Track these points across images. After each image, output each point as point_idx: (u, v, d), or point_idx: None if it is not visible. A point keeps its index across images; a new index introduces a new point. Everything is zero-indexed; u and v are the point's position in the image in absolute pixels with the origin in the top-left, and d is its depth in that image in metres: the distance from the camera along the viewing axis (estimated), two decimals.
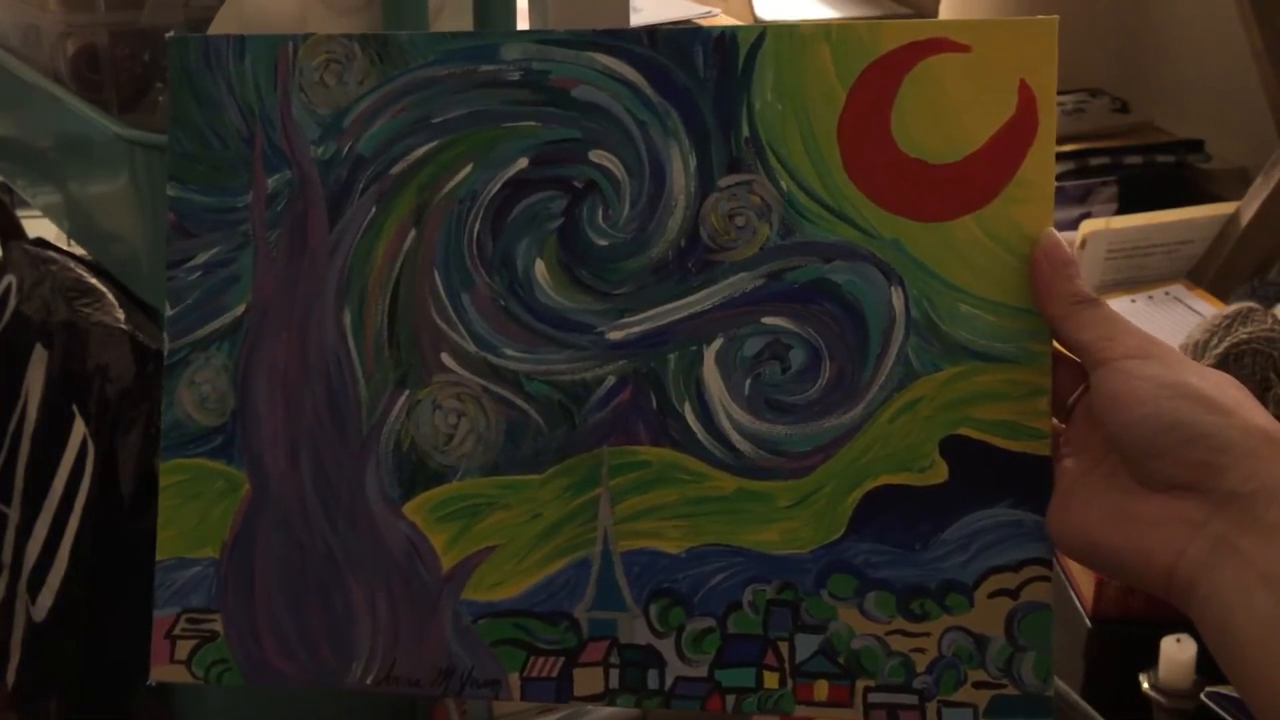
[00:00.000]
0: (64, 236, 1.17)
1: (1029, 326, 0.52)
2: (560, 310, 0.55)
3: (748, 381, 0.54)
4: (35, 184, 1.01)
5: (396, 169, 0.55)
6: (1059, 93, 0.56)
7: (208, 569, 0.56)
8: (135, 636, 0.96)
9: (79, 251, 1.12)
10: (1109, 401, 0.49)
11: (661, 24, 1.02)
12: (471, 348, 0.55)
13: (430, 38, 0.56)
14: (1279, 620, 0.44)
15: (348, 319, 0.55)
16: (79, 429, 0.95)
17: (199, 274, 0.57)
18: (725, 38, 0.54)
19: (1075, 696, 0.83)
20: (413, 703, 0.96)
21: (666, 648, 0.54)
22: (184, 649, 0.56)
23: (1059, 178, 1.77)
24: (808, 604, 0.53)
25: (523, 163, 0.55)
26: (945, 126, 0.53)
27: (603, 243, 0.54)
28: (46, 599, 0.97)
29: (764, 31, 0.54)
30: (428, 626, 0.55)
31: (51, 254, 1.08)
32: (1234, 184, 1.69)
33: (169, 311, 0.57)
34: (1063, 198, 1.74)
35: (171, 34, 0.58)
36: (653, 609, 0.54)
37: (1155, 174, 1.81)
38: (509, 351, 0.55)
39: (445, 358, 0.55)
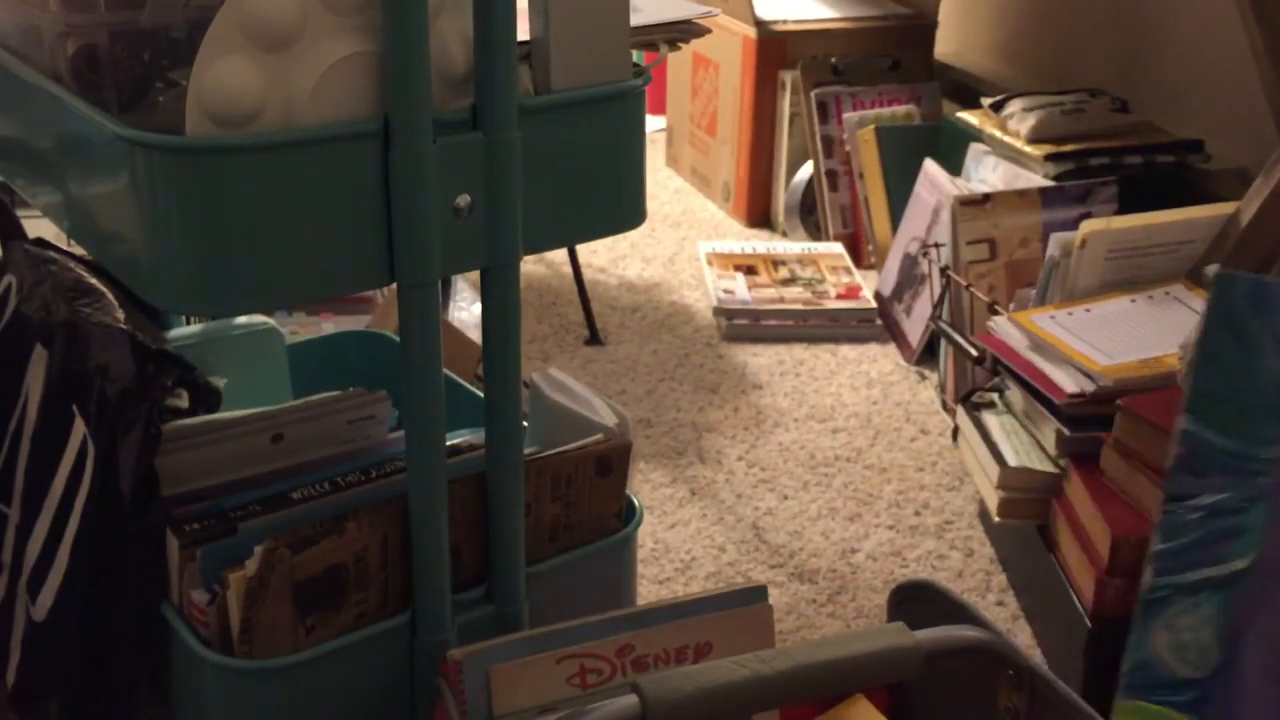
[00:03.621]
0: (64, 236, 1.17)
1: None
2: None
3: None
4: (35, 184, 1.01)
5: None
6: (1059, 92, 0.55)
7: None
8: (135, 636, 0.96)
9: (79, 251, 1.12)
10: None
11: (661, 23, 1.02)
12: None
13: None
14: None
15: None
16: (79, 429, 0.95)
17: (1201, 515, 0.52)
18: None
19: (1075, 696, 0.83)
20: (413, 702, 0.96)
21: None
22: None
23: (1059, 178, 1.77)
24: None
25: None
26: None
27: None
28: (46, 599, 0.97)
29: None
30: None
31: (51, 254, 1.08)
32: (1234, 184, 1.69)
33: (1159, 546, 0.52)
34: (1063, 198, 1.74)
35: (1216, 269, 0.52)
36: None
37: (1155, 174, 1.81)
38: None
39: None
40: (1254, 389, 0.51)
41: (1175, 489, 0.51)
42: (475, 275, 1.27)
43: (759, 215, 2.45)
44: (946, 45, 2.50)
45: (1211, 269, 0.51)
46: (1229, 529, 0.50)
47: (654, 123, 2.81)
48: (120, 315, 0.99)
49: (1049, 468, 1.32)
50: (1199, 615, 0.50)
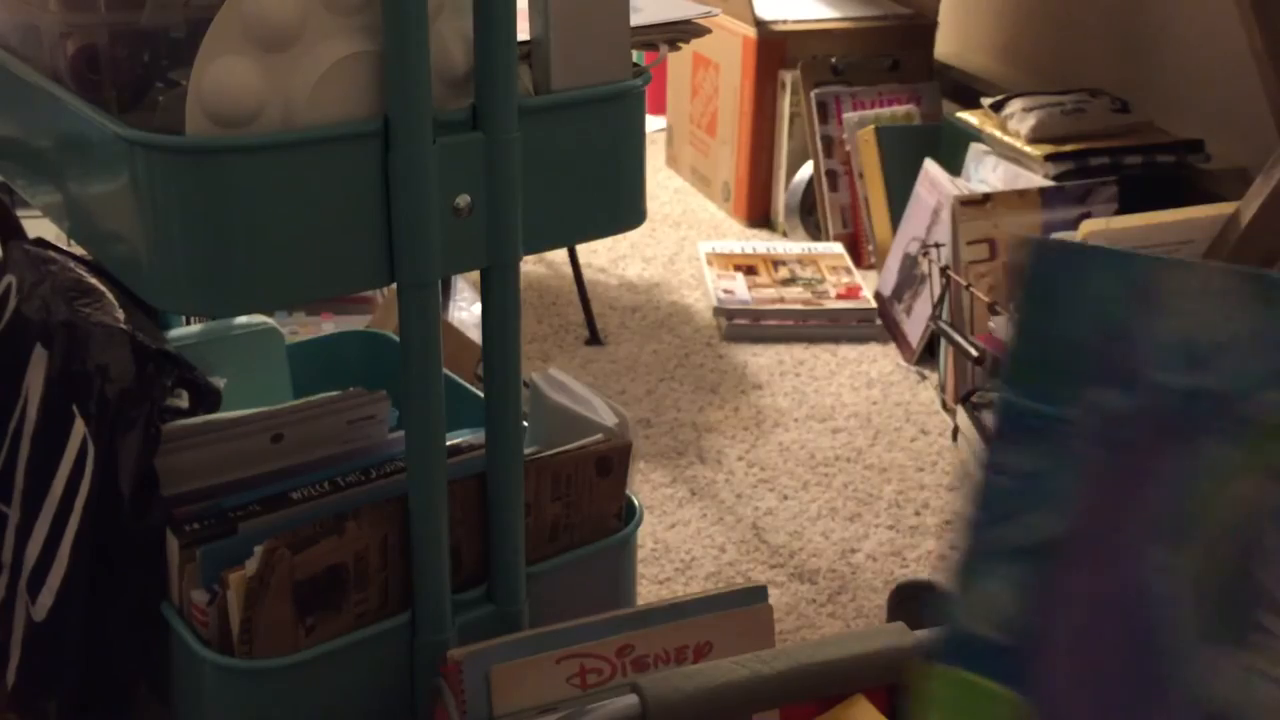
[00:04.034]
0: (64, 236, 1.17)
1: None
2: None
3: None
4: (35, 184, 1.01)
5: (1263, 415, 0.50)
6: (1059, 93, 0.55)
7: None
8: (135, 636, 0.96)
9: (79, 251, 1.12)
10: None
11: (661, 23, 1.02)
12: None
13: None
14: None
15: (1166, 559, 0.51)
16: (79, 429, 0.95)
17: (1014, 482, 0.53)
18: None
19: None
20: (413, 702, 0.96)
21: None
22: None
23: (1059, 178, 1.77)
24: None
25: None
26: None
27: None
28: (46, 599, 0.97)
29: None
30: None
31: (51, 254, 1.08)
32: (1234, 184, 1.69)
33: (973, 512, 0.53)
34: (1063, 198, 1.74)
35: (1030, 236, 0.54)
36: None
37: (1155, 174, 1.81)
38: None
39: (1269, 619, 0.50)
40: (1062, 353, 0.52)
41: (993, 457, 0.53)
42: (475, 275, 1.27)
43: (759, 215, 2.45)
44: (946, 45, 2.50)
45: (1019, 235, 0.53)
46: (1038, 493, 0.52)
47: (654, 123, 2.81)
48: (120, 315, 0.99)
49: None
50: (1009, 580, 0.51)
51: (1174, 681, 0.50)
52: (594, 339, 2.00)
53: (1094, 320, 0.52)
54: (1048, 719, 0.51)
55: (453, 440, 1.00)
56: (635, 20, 0.96)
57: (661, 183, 2.69)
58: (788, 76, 2.37)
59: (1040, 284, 0.53)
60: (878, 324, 2.03)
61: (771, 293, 2.10)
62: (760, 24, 2.37)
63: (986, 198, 1.75)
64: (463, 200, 0.85)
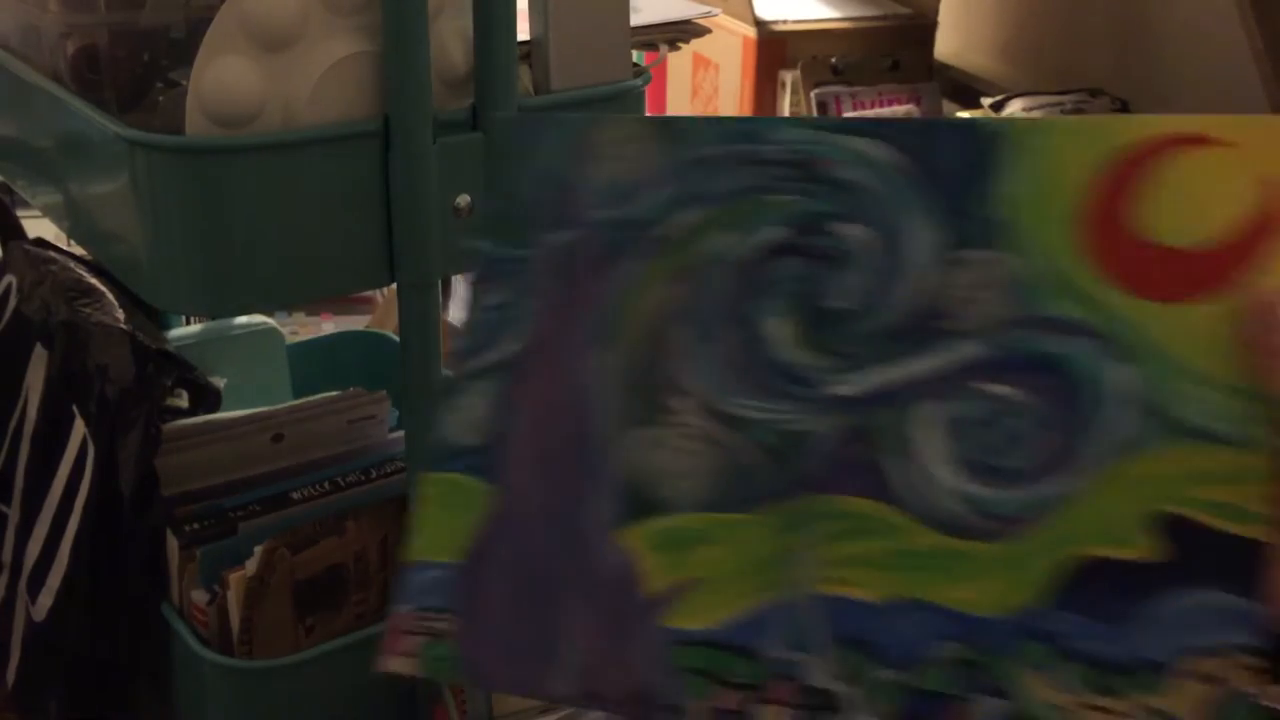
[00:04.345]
0: (64, 236, 1.17)
1: (1256, 409, 0.52)
2: (791, 365, 0.57)
3: (963, 444, 0.55)
4: (35, 184, 1.01)
5: (665, 232, 0.60)
6: (1059, 93, 0.57)
7: (448, 573, 0.59)
8: (135, 636, 0.96)
9: (79, 251, 1.11)
10: None
11: (661, 23, 1.02)
12: (705, 394, 0.58)
13: (710, 122, 0.62)
14: None
15: (601, 362, 0.60)
16: (79, 429, 0.95)
17: (491, 314, 0.61)
18: (975, 128, 0.57)
19: None
20: (413, 703, 0.96)
21: (851, 695, 0.54)
22: (414, 644, 0.59)
23: None
24: (998, 667, 0.53)
25: (776, 231, 0.59)
26: (1190, 213, 0.54)
27: (841, 307, 0.57)
28: (46, 599, 0.97)
29: (1012, 123, 0.58)
30: (627, 648, 0.56)
31: (51, 254, 1.08)
32: None
33: (462, 344, 0.62)
34: None
35: (500, 114, 0.65)
36: (842, 655, 0.54)
37: None
38: (739, 400, 0.58)
39: (679, 401, 0.58)
40: (521, 205, 0.62)
41: (473, 296, 0.63)
42: None
43: None
44: (946, 45, 2.50)
45: (502, 115, 0.67)
46: (507, 320, 0.61)
47: None
48: (120, 315, 0.99)
49: None
50: (484, 393, 0.61)
51: (605, 460, 0.59)
52: None
53: (545, 176, 0.62)
54: (510, 501, 0.59)
55: None
56: (635, 20, 0.96)
57: None
58: (788, 76, 2.37)
59: (504, 151, 0.63)
60: None
61: None
62: (760, 24, 2.37)
63: None
64: (463, 200, 0.85)
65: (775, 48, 2.38)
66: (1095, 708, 0.52)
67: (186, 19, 0.90)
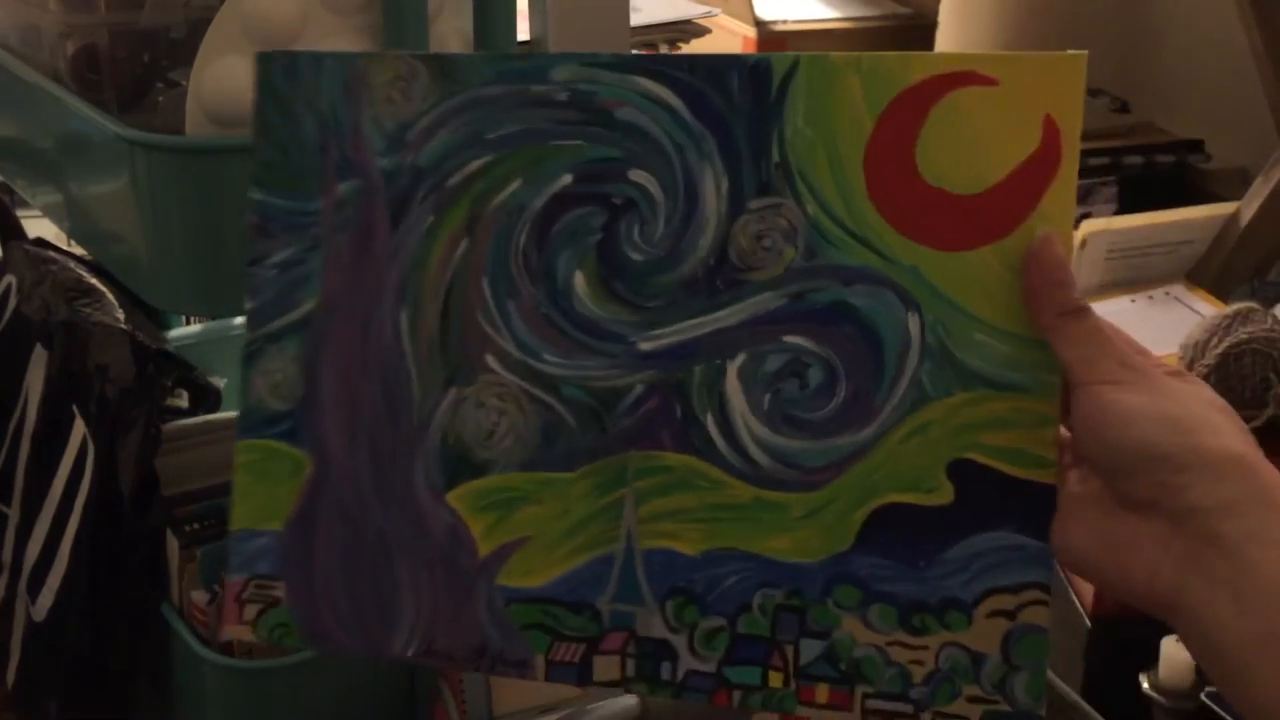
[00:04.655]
0: (64, 236, 1.17)
1: (1040, 357, 0.54)
2: (596, 320, 0.58)
3: (767, 396, 0.56)
4: (35, 184, 1.01)
5: (453, 181, 0.59)
6: None
7: (274, 540, 0.61)
8: (135, 637, 0.96)
9: (79, 251, 1.12)
10: (1082, 425, 0.51)
11: (661, 23, 1.03)
12: (514, 352, 0.58)
13: (486, 58, 0.59)
14: (1251, 634, 0.46)
15: (404, 320, 0.59)
16: (79, 429, 0.95)
17: (275, 272, 0.60)
18: (760, 66, 0.56)
19: (1075, 696, 0.83)
20: (413, 702, 0.96)
21: (680, 642, 0.56)
22: (251, 612, 0.61)
23: None
24: (814, 611, 0.56)
25: (567, 179, 0.58)
26: (969, 158, 0.54)
27: (638, 258, 0.57)
28: (46, 599, 0.97)
29: (797, 60, 0.56)
30: (464, 607, 0.58)
31: (51, 254, 1.08)
32: (1234, 184, 1.69)
33: (249, 305, 0.61)
34: None
35: (261, 50, 0.61)
36: (669, 605, 0.57)
37: (1155, 174, 1.81)
38: (548, 357, 0.58)
39: (490, 359, 0.58)
40: (300, 153, 0.60)
41: (254, 252, 0.60)
42: None
43: None
44: (946, 45, 2.50)
45: (259, 51, 0.62)
46: (298, 278, 0.60)
47: None
48: (120, 315, 0.99)
49: None
50: (285, 356, 0.60)
51: (423, 422, 0.59)
52: None
53: (321, 120, 0.60)
54: (327, 467, 0.59)
55: None
56: (635, 20, 0.96)
57: None
58: None
59: (273, 93, 0.60)
60: None
61: None
62: (760, 24, 2.37)
63: None
64: None
65: (775, 48, 2.38)
66: (905, 645, 0.55)
67: (186, 19, 0.90)
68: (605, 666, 0.57)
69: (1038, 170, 0.54)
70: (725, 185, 0.56)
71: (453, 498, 0.59)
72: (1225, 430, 0.49)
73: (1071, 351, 0.51)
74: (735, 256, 0.56)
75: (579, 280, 0.58)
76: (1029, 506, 0.54)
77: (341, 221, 0.60)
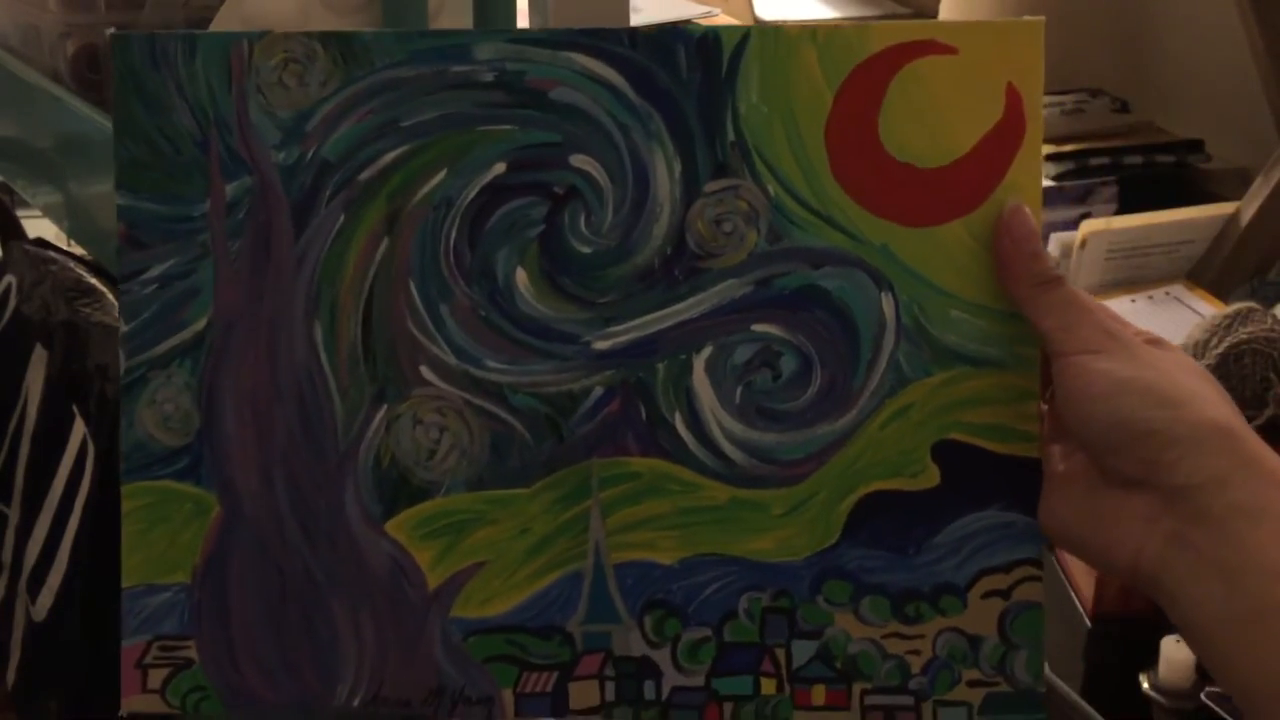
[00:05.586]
0: (64, 236, 1.17)
1: (1017, 330, 0.52)
2: (543, 320, 0.53)
3: (738, 389, 0.53)
4: (35, 184, 1.01)
5: (365, 175, 0.53)
6: (1059, 93, 0.56)
7: (179, 594, 0.54)
8: None
9: (79, 251, 1.12)
10: (1064, 398, 0.50)
11: (661, 24, 1.03)
12: (452, 360, 0.53)
13: (396, 36, 0.53)
14: (1238, 611, 0.45)
15: (319, 333, 0.53)
16: (79, 429, 0.95)
17: (155, 287, 0.54)
18: (708, 38, 0.53)
19: (1075, 696, 0.83)
20: None
21: (662, 658, 0.54)
22: (157, 678, 0.54)
23: (1059, 178, 1.77)
24: (803, 610, 0.54)
25: (500, 167, 0.53)
26: (933, 130, 0.53)
27: (586, 250, 0.53)
28: (46, 599, 0.97)
29: (748, 32, 0.53)
30: (416, 646, 0.54)
31: (51, 254, 1.08)
32: (1234, 184, 1.69)
33: (124, 328, 0.54)
34: (1063, 198, 1.74)
35: (111, 31, 0.55)
36: (647, 620, 0.54)
37: (1155, 174, 1.81)
38: (491, 363, 0.53)
39: (424, 371, 0.53)
40: (174, 149, 0.53)
41: (124, 267, 0.53)
42: None
43: None
44: None
45: (109, 32, 0.55)
46: (183, 293, 0.53)
47: None
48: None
49: None
50: (175, 385, 0.53)
51: (348, 445, 0.53)
52: None
53: (199, 110, 0.53)
54: (233, 506, 0.53)
55: None
56: (635, 20, 0.96)
57: None
58: None
59: (134, 80, 0.53)
60: None
61: None
62: (760, 23, 2.37)
63: None
64: None
65: None
66: (901, 636, 0.53)
67: (186, 19, 0.90)
68: (582, 693, 0.54)
69: (1003, 140, 0.53)
70: (678, 167, 0.53)
71: (392, 527, 0.54)
72: (1210, 400, 0.48)
73: (1049, 320, 0.50)
74: (694, 243, 0.53)
75: (521, 277, 0.53)
76: (1015, 482, 0.53)
77: (234, 226, 0.53)
